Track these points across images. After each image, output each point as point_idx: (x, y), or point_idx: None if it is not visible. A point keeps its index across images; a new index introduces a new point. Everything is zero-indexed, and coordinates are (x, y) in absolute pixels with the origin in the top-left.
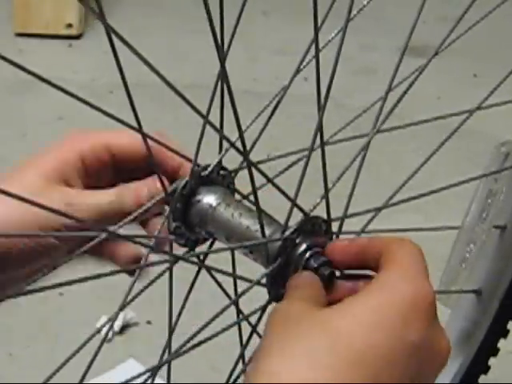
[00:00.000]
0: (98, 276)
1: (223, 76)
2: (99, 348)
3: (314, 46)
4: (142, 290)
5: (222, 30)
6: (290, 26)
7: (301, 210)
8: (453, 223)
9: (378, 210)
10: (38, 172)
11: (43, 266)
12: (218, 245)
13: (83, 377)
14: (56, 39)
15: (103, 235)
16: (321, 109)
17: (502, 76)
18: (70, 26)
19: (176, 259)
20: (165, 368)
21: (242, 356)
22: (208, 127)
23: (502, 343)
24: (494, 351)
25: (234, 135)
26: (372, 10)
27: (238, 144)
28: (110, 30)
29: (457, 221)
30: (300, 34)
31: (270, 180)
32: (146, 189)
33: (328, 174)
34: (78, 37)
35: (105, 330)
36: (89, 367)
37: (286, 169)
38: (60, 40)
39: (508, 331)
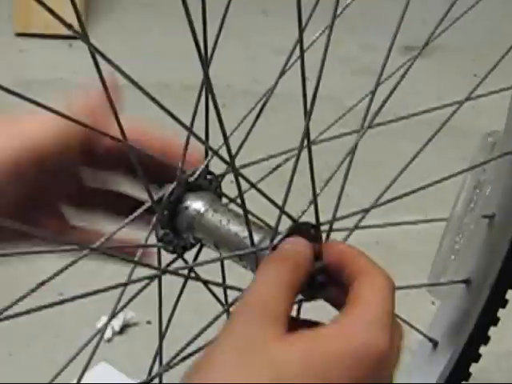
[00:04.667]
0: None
1: (207, 84)
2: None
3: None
4: (131, 299)
5: (205, 41)
6: (290, 26)
7: (289, 216)
8: None
9: (366, 211)
10: None
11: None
12: (206, 251)
13: (80, 377)
14: (56, 39)
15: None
16: (307, 114)
17: (502, 76)
18: (69, 26)
19: (164, 272)
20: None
21: None
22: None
23: (500, 342)
24: (485, 340)
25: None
26: (372, 10)
27: (223, 151)
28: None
29: None
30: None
31: (254, 186)
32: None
33: (320, 174)
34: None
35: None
36: (86, 367)
37: (274, 170)
38: (60, 40)
39: (498, 319)
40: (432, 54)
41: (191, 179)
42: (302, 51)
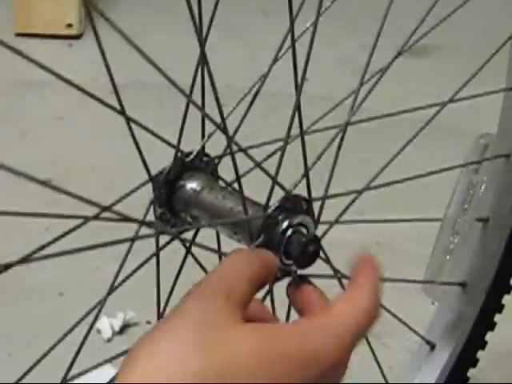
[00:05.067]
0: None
1: (203, 61)
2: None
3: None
4: (130, 274)
5: (200, 13)
6: None
7: (282, 187)
8: None
9: (359, 192)
10: None
11: None
12: (202, 231)
13: (65, 374)
14: (56, 39)
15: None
16: (297, 89)
17: (501, 77)
18: (69, 25)
19: (161, 233)
20: None
21: None
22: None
23: (501, 343)
24: (482, 344)
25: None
26: (372, 10)
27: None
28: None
29: None
30: (300, 33)
31: (256, 162)
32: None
33: (311, 162)
34: (78, 37)
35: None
36: (71, 366)
37: (273, 153)
38: (60, 40)
39: (495, 324)
40: (432, 54)
41: (188, 159)
42: (293, 34)
